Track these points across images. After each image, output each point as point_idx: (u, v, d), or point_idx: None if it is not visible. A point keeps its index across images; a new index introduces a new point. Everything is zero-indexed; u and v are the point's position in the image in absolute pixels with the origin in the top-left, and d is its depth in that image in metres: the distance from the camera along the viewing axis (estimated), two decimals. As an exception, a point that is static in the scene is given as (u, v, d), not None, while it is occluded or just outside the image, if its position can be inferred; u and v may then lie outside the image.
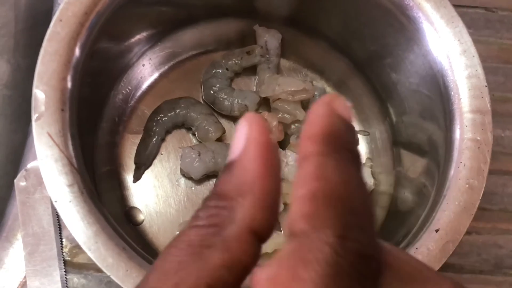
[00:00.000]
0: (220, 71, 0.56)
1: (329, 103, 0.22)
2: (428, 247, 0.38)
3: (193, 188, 0.53)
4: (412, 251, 0.38)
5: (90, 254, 0.37)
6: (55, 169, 0.38)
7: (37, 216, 0.49)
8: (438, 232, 0.38)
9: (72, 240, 0.50)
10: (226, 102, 0.55)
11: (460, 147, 0.41)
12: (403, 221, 0.47)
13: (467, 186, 0.40)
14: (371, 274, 0.19)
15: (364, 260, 0.18)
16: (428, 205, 0.42)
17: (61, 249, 0.50)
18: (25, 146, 0.51)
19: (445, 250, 0.38)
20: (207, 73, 0.57)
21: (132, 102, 0.55)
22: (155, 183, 0.53)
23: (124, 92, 0.54)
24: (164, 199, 0.52)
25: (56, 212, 0.49)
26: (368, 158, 0.56)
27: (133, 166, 0.53)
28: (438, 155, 0.44)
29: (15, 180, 0.49)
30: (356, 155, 0.21)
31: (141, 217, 0.51)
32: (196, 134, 0.54)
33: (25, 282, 0.48)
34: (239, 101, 0.55)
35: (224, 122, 0.56)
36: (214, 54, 0.58)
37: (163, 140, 0.54)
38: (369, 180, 0.54)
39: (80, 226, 0.37)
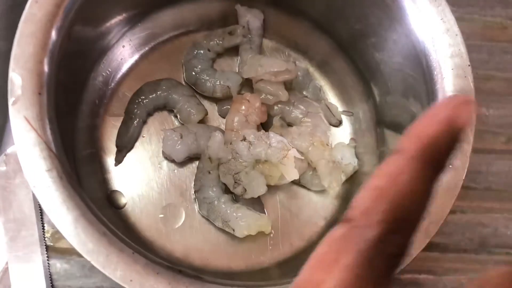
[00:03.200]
0: (202, 52, 0.55)
1: (457, 106, 0.22)
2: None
3: (175, 171, 0.53)
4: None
5: (69, 239, 0.36)
6: (33, 154, 0.37)
7: (18, 201, 0.49)
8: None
9: (53, 225, 0.50)
10: (208, 84, 0.54)
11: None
12: None
13: (450, 166, 0.40)
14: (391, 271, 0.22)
15: (393, 260, 0.21)
16: None
17: (43, 234, 0.49)
18: (4, 130, 0.50)
19: (428, 231, 0.38)
20: (189, 54, 0.56)
21: (113, 84, 0.54)
22: (137, 166, 0.53)
23: (104, 74, 0.53)
24: (146, 182, 0.52)
25: (37, 197, 0.48)
26: (351, 139, 0.56)
27: (114, 149, 0.53)
28: None
29: (-6, 165, 0.48)
30: (441, 169, 0.22)
31: (123, 200, 0.51)
32: (178, 116, 0.53)
33: (7, 268, 0.47)
34: (221, 83, 0.54)
35: (206, 104, 0.55)
36: (195, 34, 0.57)
37: (144, 122, 0.54)
38: (352, 160, 0.53)
39: (59, 212, 0.36)
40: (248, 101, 0.52)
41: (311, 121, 0.54)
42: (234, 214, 0.49)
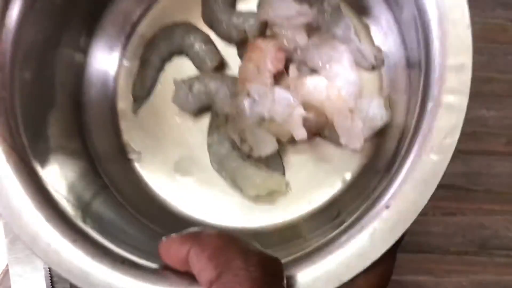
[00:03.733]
0: None
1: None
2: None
3: (191, 123, 0.50)
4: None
5: (11, 224, 0.36)
6: None
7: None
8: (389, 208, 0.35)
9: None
10: (224, 25, 0.50)
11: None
12: None
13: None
14: None
15: None
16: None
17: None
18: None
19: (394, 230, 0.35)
20: None
21: (128, 27, 0.52)
22: (151, 117, 0.51)
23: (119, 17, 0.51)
24: (160, 134, 0.50)
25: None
26: (382, 88, 0.51)
27: (130, 99, 0.51)
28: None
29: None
30: None
31: (135, 152, 0.50)
32: (193, 63, 0.51)
33: (7, 270, 0.48)
34: (238, 25, 0.50)
35: (226, 49, 0.51)
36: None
37: (160, 69, 0.51)
38: (380, 112, 0.48)
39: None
40: (262, 48, 0.48)
41: (333, 68, 0.48)
42: (242, 173, 0.48)
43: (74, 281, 0.35)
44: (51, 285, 0.49)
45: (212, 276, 0.29)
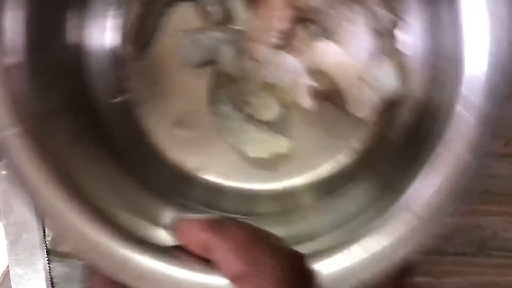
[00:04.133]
0: None
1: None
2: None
3: (195, 76, 0.48)
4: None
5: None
6: None
7: (19, 205, 0.49)
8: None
9: (54, 228, 0.50)
10: None
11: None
12: None
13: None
14: None
15: None
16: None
17: (44, 238, 0.50)
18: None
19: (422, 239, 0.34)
20: None
21: None
22: (152, 65, 0.49)
23: None
24: (161, 85, 0.48)
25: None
26: (395, 52, 0.47)
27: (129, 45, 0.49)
28: None
29: (-5, 170, 0.49)
30: None
31: (136, 104, 0.48)
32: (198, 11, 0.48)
33: (8, 271, 0.48)
34: None
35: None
36: None
37: (162, 15, 0.48)
38: (390, 80, 0.45)
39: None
40: (271, 3, 0.46)
41: (346, 30, 0.46)
42: (245, 134, 0.47)
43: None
44: (51, 286, 0.49)
45: (237, 271, 0.29)
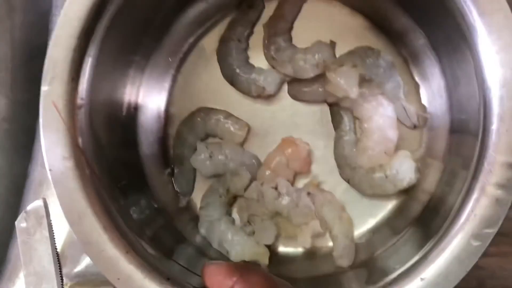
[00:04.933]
0: (232, 45, 0.54)
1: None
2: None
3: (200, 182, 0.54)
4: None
5: (71, 228, 0.38)
6: (55, 138, 0.39)
7: (38, 256, 0.50)
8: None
9: (71, 277, 0.51)
10: (245, 83, 0.53)
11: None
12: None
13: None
14: None
15: None
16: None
17: (62, 286, 0.51)
18: (24, 188, 0.51)
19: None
20: (220, 51, 0.55)
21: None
22: None
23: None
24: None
25: (56, 251, 0.49)
26: (418, 149, 0.52)
27: None
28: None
29: (15, 222, 0.50)
30: None
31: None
32: (221, 138, 0.53)
33: None
34: (257, 82, 0.52)
35: (246, 103, 0.54)
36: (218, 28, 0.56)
37: None
38: (409, 174, 0.48)
39: (68, 199, 0.39)
40: (296, 146, 0.50)
41: (375, 121, 0.50)
42: (232, 237, 0.49)
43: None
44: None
45: None
